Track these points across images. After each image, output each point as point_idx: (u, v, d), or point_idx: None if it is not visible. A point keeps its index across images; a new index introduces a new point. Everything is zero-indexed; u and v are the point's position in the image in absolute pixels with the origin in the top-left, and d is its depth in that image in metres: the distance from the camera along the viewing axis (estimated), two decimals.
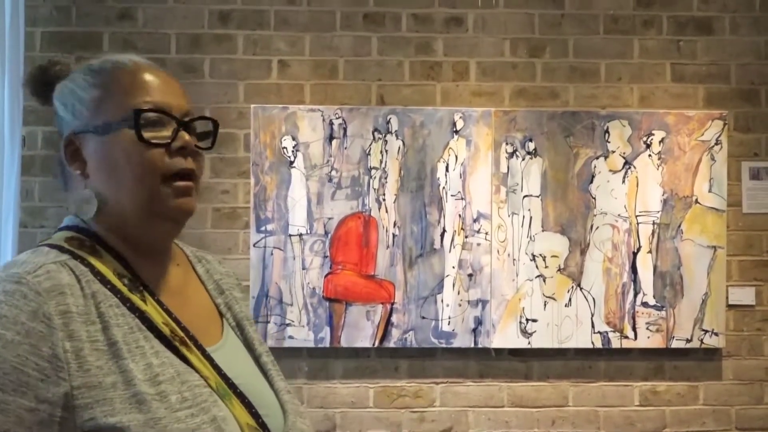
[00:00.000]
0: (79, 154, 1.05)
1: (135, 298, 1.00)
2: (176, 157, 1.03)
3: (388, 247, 3.00)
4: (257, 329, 1.22)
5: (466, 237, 3.01)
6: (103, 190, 1.04)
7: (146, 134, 1.01)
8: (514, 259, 3.01)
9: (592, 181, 3.04)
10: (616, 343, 3.02)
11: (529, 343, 3.01)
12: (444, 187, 3.01)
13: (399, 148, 3.01)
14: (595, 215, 3.03)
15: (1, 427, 0.86)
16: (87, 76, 1.06)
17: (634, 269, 3.03)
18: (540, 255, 3.02)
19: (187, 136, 1.04)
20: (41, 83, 1.10)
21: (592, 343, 3.02)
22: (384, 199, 3.01)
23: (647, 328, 3.02)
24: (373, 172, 3.01)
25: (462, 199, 3.01)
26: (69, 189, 1.09)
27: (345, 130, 3.01)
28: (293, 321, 2.97)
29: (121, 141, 1.02)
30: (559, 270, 3.02)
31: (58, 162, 1.09)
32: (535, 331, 3.01)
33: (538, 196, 3.03)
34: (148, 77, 1.06)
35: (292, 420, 1.08)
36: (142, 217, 1.03)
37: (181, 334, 1.01)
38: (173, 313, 1.03)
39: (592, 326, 3.02)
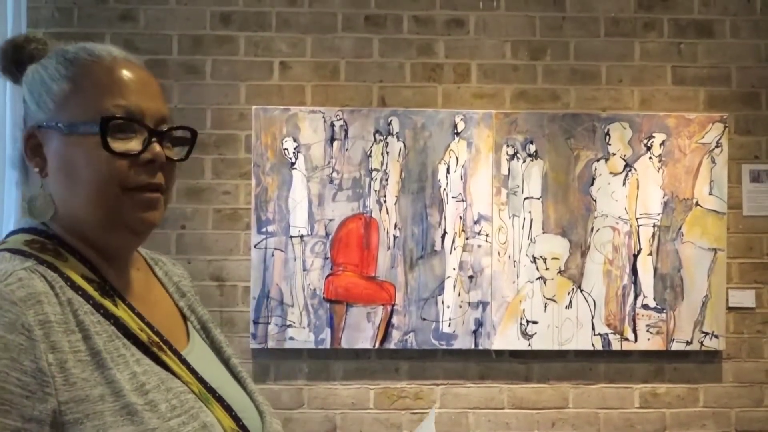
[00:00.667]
0: (40, 149, 0.96)
1: (108, 304, 0.93)
2: (143, 171, 0.95)
3: (388, 248, 3.00)
4: (221, 331, 1.17)
5: (467, 239, 3.01)
6: (60, 192, 0.96)
7: (113, 143, 0.92)
8: (514, 261, 3.02)
9: (592, 184, 3.04)
10: (616, 345, 3.02)
11: (529, 344, 3.01)
12: (445, 189, 3.02)
13: (400, 149, 3.02)
14: (595, 217, 3.03)
15: None
16: (59, 65, 0.97)
17: (634, 271, 3.04)
18: (540, 257, 3.02)
19: (157, 148, 0.95)
20: (12, 61, 1.00)
21: (593, 345, 3.02)
22: (385, 201, 3.01)
23: (647, 331, 3.03)
24: (374, 173, 3.01)
25: (463, 200, 3.02)
26: (28, 186, 1.00)
27: (346, 131, 3.01)
28: (294, 322, 2.97)
29: (85, 145, 0.93)
30: (559, 272, 3.02)
31: (20, 155, 0.99)
32: (535, 333, 3.01)
33: (538, 198, 3.03)
34: (125, 76, 0.96)
35: (269, 420, 1.06)
36: (101, 226, 0.96)
37: (156, 339, 0.96)
38: (145, 317, 0.97)
39: (593, 328, 3.02)
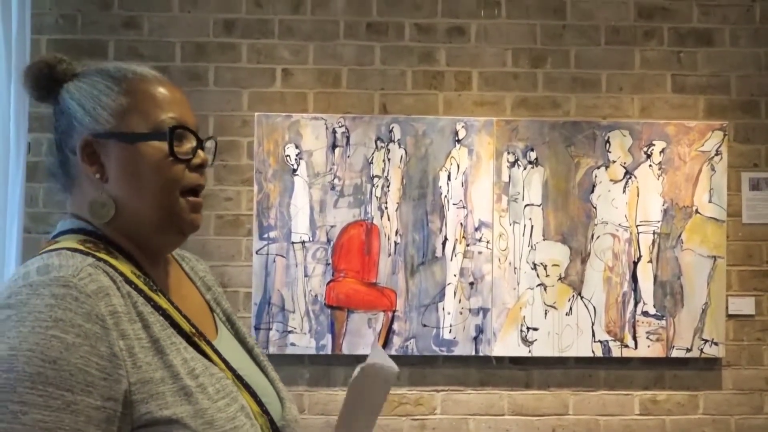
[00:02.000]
0: (97, 157, 1.06)
1: (156, 297, 1.03)
2: (194, 173, 1.09)
3: (389, 255, 3.02)
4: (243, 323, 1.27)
5: (468, 245, 3.03)
6: (121, 196, 1.05)
7: (175, 149, 1.06)
8: (515, 268, 3.03)
9: (593, 191, 3.05)
10: (616, 352, 3.03)
11: (529, 351, 3.02)
12: (446, 196, 3.03)
13: (401, 156, 3.03)
14: (595, 224, 3.05)
15: (73, 428, 0.88)
16: (108, 82, 1.07)
17: (634, 278, 3.05)
18: (541, 264, 3.03)
19: (203, 154, 1.10)
20: (46, 78, 1.08)
21: (593, 351, 3.03)
22: (386, 208, 3.02)
23: (647, 338, 3.04)
24: (375, 180, 3.03)
25: (464, 207, 3.03)
26: (72, 191, 1.09)
27: (348, 138, 3.03)
28: (295, 328, 2.98)
29: (150, 152, 1.05)
30: (559, 279, 3.04)
31: (60, 163, 1.09)
32: (535, 340, 3.02)
33: (539, 205, 3.05)
34: (169, 92, 1.10)
35: (288, 406, 1.16)
36: (158, 226, 1.07)
37: (194, 329, 1.06)
38: (182, 311, 1.07)
39: (593, 335, 3.03)
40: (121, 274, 1.01)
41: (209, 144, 1.15)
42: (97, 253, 1.01)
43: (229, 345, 1.16)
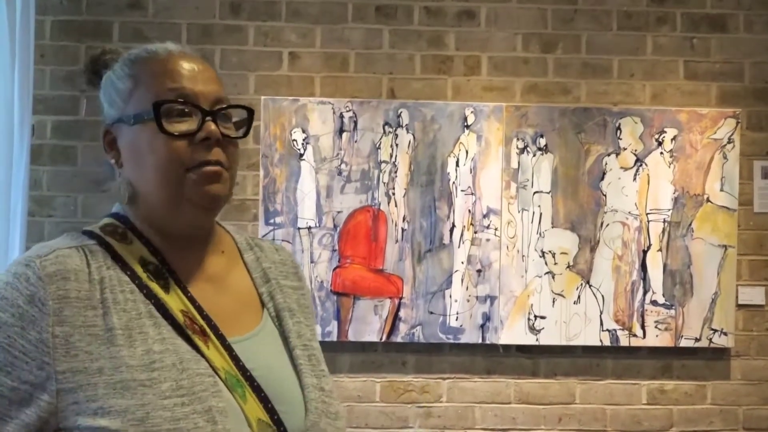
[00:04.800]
0: (115, 143, 1.07)
1: (154, 285, 1.00)
2: (201, 149, 1.01)
3: (397, 241, 2.99)
4: (302, 320, 1.15)
5: (476, 232, 3.00)
6: (133, 180, 1.05)
7: (170, 125, 1.00)
8: (523, 256, 3.00)
9: (603, 178, 3.02)
10: (624, 341, 3.01)
11: (537, 339, 3.00)
12: (454, 182, 3.00)
13: (409, 142, 3.00)
14: (605, 212, 3.01)
15: None
16: (124, 66, 1.07)
17: (643, 267, 3.02)
18: (549, 251, 3.00)
19: (212, 126, 1.02)
20: (92, 73, 1.11)
21: (601, 340, 3.01)
22: (393, 193, 2.99)
23: (656, 327, 3.01)
24: (383, 165, 2.99)
25: (472, 194, 3.00)
26: (113, 178, 1.10)
27: (355, 123, 2.99)
28: None
29: (147, 131, 1.02)
30: (568, 267, 3.01)
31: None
32: (543, 328, 3.00)
33: (548, 193, 3.01)
34: (178, 65, 1.05)
35: (313, 420, 1.03)
36: (170, 205, 1.03)
37: (201, 322, 1.00)
38: (197, 301, 1.02)
39: (601, 324, 3.00)
40: (120, 260, 1.00)
41: (238, 112, 1.08)
42: (107, 237, 1.03)
43: (264, 343, 1.07)
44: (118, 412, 0.90)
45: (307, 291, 1.22)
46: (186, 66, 1.05)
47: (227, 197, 1.06)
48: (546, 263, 3.00)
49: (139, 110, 1.02)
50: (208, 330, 1.00)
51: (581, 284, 3.01)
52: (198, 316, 1.01)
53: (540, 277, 3.00)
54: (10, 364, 0.92)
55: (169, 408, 0.91)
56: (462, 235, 2.99)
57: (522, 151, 3.01)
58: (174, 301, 1.00)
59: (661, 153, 3.03)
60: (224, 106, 1.05)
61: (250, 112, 1.10)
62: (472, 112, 3.01)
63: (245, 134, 1.08)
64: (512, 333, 3.00)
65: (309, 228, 2.98)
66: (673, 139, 3.03)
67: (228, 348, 1.01)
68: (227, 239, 1.16)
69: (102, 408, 0.91)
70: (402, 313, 2.98)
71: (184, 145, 1.01)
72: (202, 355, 0.97)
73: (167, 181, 1.01)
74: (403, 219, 2.99)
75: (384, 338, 2.98)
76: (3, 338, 0.92)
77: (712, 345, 3.03)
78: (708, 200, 3.03)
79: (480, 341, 2.99)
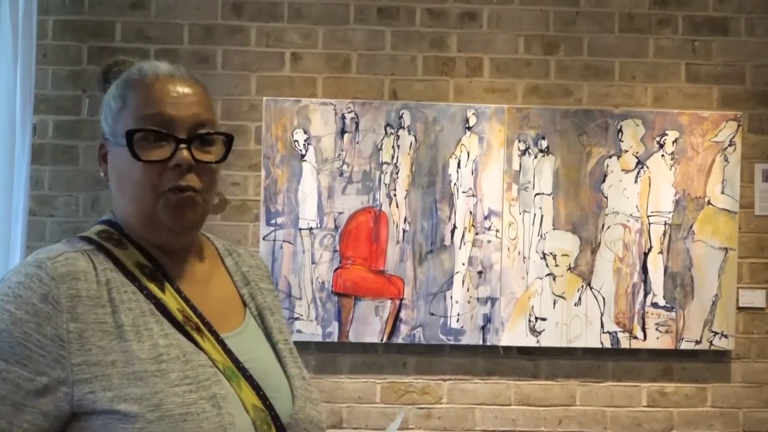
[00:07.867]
0: (106, 158, 1.13)
1: (152, 287, 1.07)
2: (172, 175, 1.06)
3: (398, 242, 2.99)
4: (280, 318, 1.25)
5: (477, 234, 3.00)
6: (114, 195, 1.13)
7: (144, 152, 1.05)
8: (524, 257, 3.00)
9: (604, 180, 3.02)
10: (625, 344, 3.01)
11: (537, 341, 3.00)
12: (455, 184, 3.00)
13: (411, 143, 3.00)
14: (606, 214, 3.01)
15: None
16: (118, 86, 1.12)
17: (644, 269, 3.02)
18: (550, 253, 3.00)
19: (184, 154, 1.06)
20: (102, 82, 1.16)
21: (601, 342, 3.01)
22: (395, 195, 2.99)
23: (657, 329, 3.01)
24: (384, 167, 2.99)
25: (473, 195, 3.00)
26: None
27: (357, 124, 2.99)
28: (302, 315, 2.96)
29: (125, 155, 1.06)
30: (569, 269, 3.01)
31: None
32: (544, 330, 3.00)
33: (549, 195, 3.01)
34: (162, 90, 1.08)
35: (300, 405, 1.12)
36: (146, 226, 1.10)
37: (196, 320, 1.08)
38: (191, 301, 1.10)
39: (602, 326, 3.00)
40: (119, 263, 1.07)
41: (216, 140, 1.11)
42: (104, 243, 1.09)
43: (250, 339, 1.17)
44: (134, 399, 0.97)
45: (277, 293, 1.32)
46: (170, 90, 1.08)
47: (200, 222, 1.12)
48: (547, 265, 3.00)
49: (122, 132, 1.07)
50: (202, 327, 1.08)
51: (582, 286, 3.01)
52: (192, 315, 1.09)
53: (541, 278, 3.00)
54: (27, 357, 0.97)
55: (180, 395, 0.99)
56: (463, 236, 2.99)
57: (523, 152, 3.01)
58: (171, 301, 1.08)
59: (663, 155, 3.03)
60: (203, 132, 1.08)
61: (230, 138, 1.13)
62: (473, 113, 3.01)
63: (221, 160, 1.11)
64: (513, 335, 3.00)
65: (310, 229, 2.98)
66: (675, 141, 3.03)
67: (221, 342, 1.09)
68: (208, 245, 1.23)
69: (118, 396, 0.97)
70: (403, 315, 2.98)
71: (157, 170, 1.06)
72: (201, 349, 1.05)
73: (141, 203, 1.07)
74: (405, 220, 2.99)
75: (385, 339, 2.98)
76: (19, 333, 0.97)
77: (712, 347, 3.03)
78: (709, 203, 3.03)
79: (480, 343, 2.99)
